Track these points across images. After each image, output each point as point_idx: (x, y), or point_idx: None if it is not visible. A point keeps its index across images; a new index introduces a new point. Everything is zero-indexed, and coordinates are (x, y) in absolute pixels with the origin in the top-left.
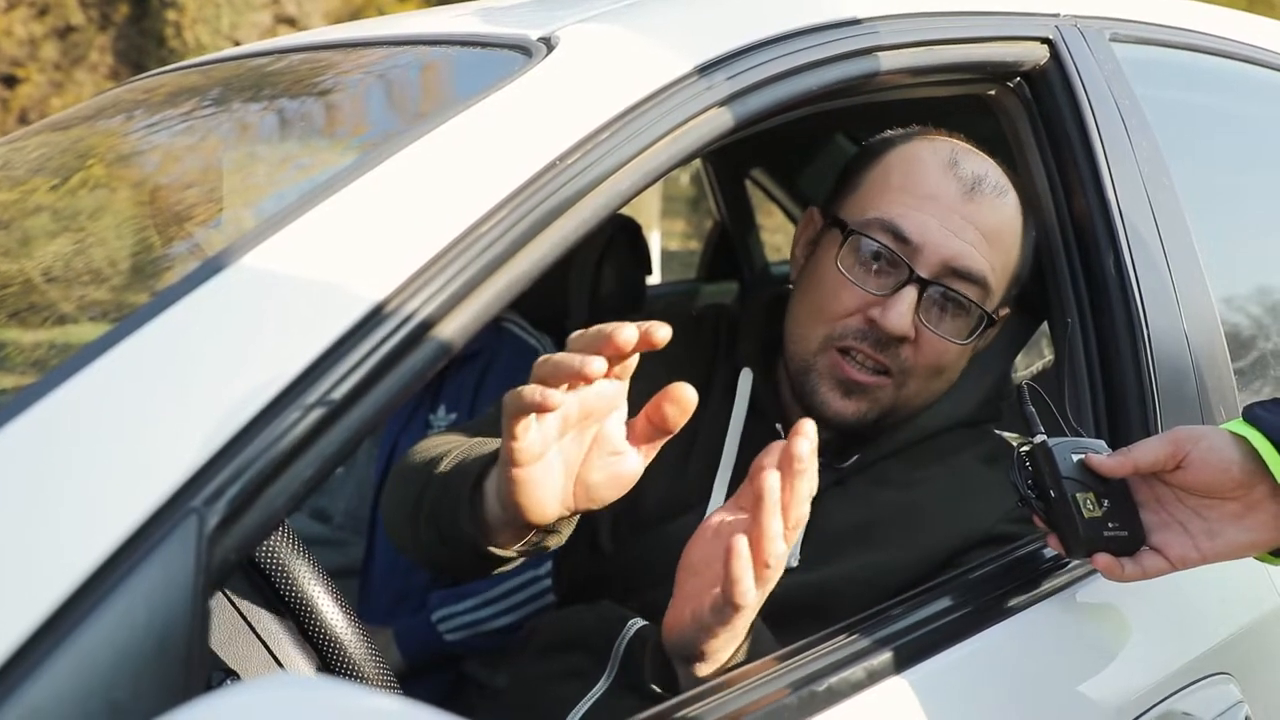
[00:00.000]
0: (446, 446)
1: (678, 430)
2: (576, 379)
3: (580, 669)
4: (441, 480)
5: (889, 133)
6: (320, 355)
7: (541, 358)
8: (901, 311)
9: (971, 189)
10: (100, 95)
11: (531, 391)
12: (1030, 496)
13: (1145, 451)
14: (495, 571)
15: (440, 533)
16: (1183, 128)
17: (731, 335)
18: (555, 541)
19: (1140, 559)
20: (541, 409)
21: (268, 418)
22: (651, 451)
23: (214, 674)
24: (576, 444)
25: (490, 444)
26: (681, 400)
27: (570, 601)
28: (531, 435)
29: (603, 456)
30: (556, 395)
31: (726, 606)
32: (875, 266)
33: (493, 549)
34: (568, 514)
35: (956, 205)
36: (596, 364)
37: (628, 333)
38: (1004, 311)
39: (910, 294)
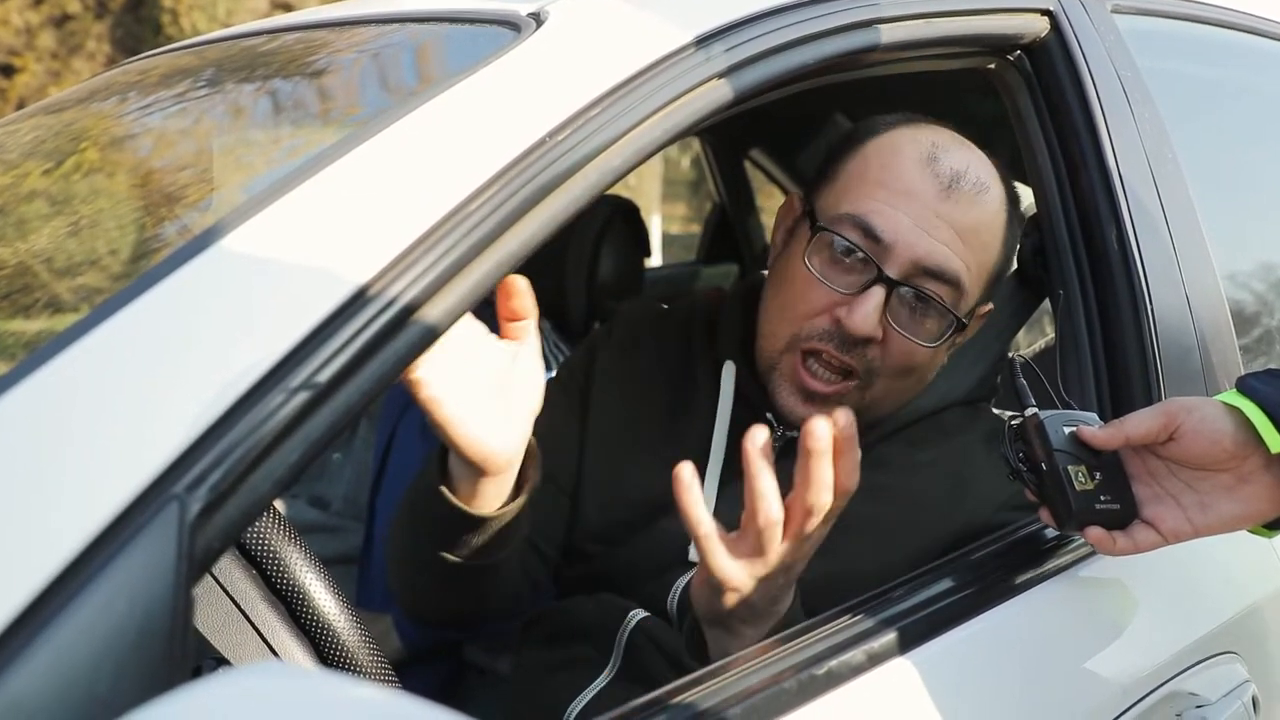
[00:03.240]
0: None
1: (533, 314)
2: None
3: (583, 659)
4: (412, 495)
5: (873, 119)
6: (305, 337)
7: None
8: (868, 312)
9: (949, 186)
10: (94, 77)
11: None
12: (1022, 470)
13: (1137, 423)
14: (498, 554)
15: (435, 540)
16: (1186, 99)
17: (709, 328)
18: (530, 487)
19: (1132, 532)
20: None
21: (251, 402)
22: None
23: (206, 662)
24: (471, 365)
25: None
26: (512, 288)
27: (568, 596)
28: (424, 369)
29: (503, 364)
30: None
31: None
32: (844, 264)
33: (481, 513)
34: (517, 446)
35: (932, 203)
36: None
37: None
38: (985, 308)
39: (878, 294)
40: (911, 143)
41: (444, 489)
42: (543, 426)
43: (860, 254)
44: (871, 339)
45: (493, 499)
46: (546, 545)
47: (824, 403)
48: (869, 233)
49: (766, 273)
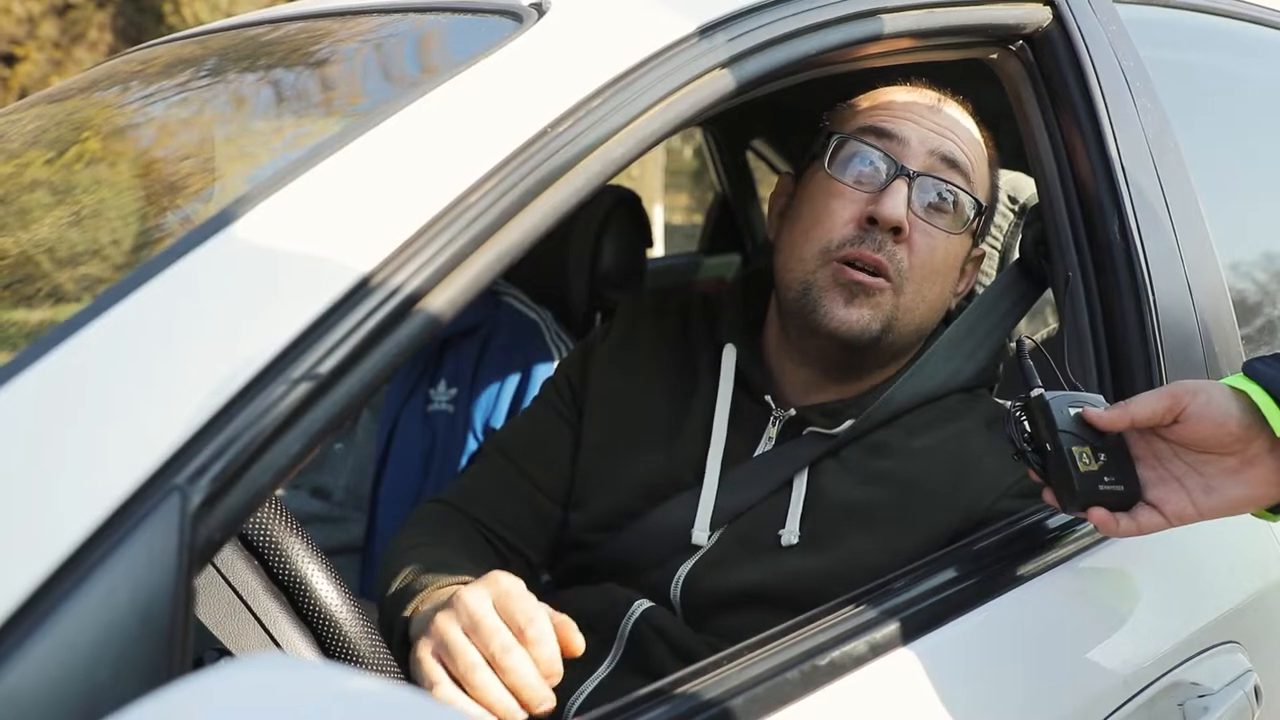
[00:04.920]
0: (407, 555)
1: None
2: None
3: (586, 650)
4: (386, 615)
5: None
6: (306, 328)
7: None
8: (897, 201)
9: (937, 102)
10: (95, 67)
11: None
12: (1026, 450)
13: (1142, 405)
14: None
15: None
16: (1188, 89)
17: (709, 317)
18: None
19: (1136, 514)
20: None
21: (252, 393)
22: None
23: (208, 652)
24: None
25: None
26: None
27: (569, 585)
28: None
29: None
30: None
31: None
32: (865, 170)
33: None
34: None
35: (928, 114)
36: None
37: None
38: (979, 251)
39: (902, 185)
40: (889, 87)
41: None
42: (532, 435)
43: (879, 154)
44: (901, 228)
45: None
46: (528, 549)
47: (865, 300)
48: (884, 134)
49: (773, 241)
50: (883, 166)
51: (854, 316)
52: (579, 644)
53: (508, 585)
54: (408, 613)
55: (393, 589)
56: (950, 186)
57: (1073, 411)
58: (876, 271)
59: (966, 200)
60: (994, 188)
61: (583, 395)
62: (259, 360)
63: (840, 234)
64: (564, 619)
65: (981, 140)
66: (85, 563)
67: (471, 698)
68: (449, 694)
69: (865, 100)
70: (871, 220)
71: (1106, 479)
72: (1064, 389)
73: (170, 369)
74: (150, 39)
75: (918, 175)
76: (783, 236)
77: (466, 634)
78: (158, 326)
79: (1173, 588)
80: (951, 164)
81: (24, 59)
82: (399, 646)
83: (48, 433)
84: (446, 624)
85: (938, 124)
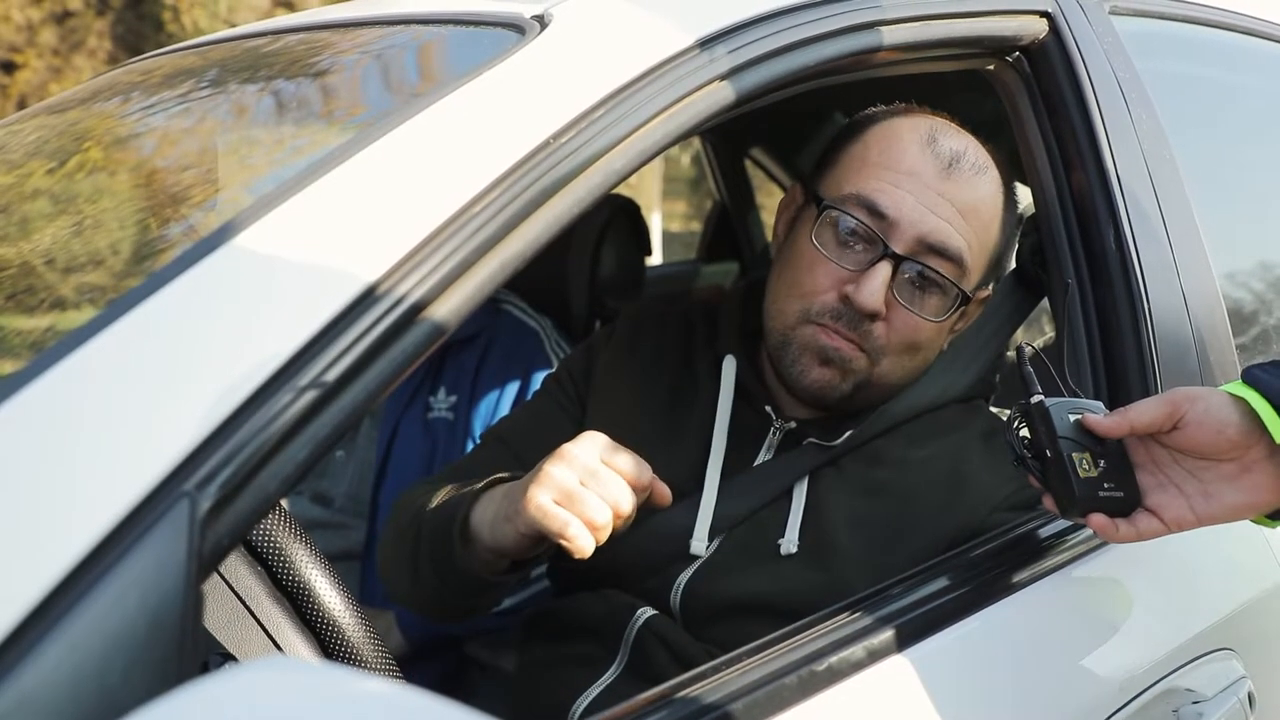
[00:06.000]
0: (432, 493)
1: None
2: None
3: (589, 656)
4: (431, 523)
5: (871, 109)
6: (313, 337)
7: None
8: (874, 288)
9: (949, 165)
10: (97, 77)
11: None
12: (1026, 456)
13: (1142, 412)
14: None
15: (438, 574)
16: (1183, 101)
17: (709, 326)
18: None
19: (1135, 520)
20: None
21: (260, 400)
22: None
23: (212, 658)
24: None
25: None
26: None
27: (568, 591)
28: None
29: None
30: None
31: None
32: (850, 243)
33: (487, 577)
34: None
35: (934, 182)
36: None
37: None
38: (984, 293)
39: (884, 270)
40: (911, 128)
41: (465, 559)
42: (532, 424)
43: (865, 232)
44: (877, 314)
45: (506, 565)
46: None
47: (839, 364)
48: (874, 210)
49: (772, 258)
50: (868, 246)
51: (825, 377)
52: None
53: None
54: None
55: (435, 503)
56: (936, 275)
57: (1073, 418)
58: (851, 341)
59: (952, 291)
60: (1007, 242)
61: (586, 391)
62: (266, 368)
63: (819, 302)
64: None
65: (993, 203)
66: (97, 567)
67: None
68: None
69: (877, 146)
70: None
71: (1106, 485)
72: (1063, 394)
73: (179, 377)
74: (150, 47)
75: (903, 260)
76: (775, 267)
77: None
78: (167, 335)
79: (1167, 595)
80: (941, 252)
81: (23, 66)
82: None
83: (61, 439)
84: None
85: (939, 197)
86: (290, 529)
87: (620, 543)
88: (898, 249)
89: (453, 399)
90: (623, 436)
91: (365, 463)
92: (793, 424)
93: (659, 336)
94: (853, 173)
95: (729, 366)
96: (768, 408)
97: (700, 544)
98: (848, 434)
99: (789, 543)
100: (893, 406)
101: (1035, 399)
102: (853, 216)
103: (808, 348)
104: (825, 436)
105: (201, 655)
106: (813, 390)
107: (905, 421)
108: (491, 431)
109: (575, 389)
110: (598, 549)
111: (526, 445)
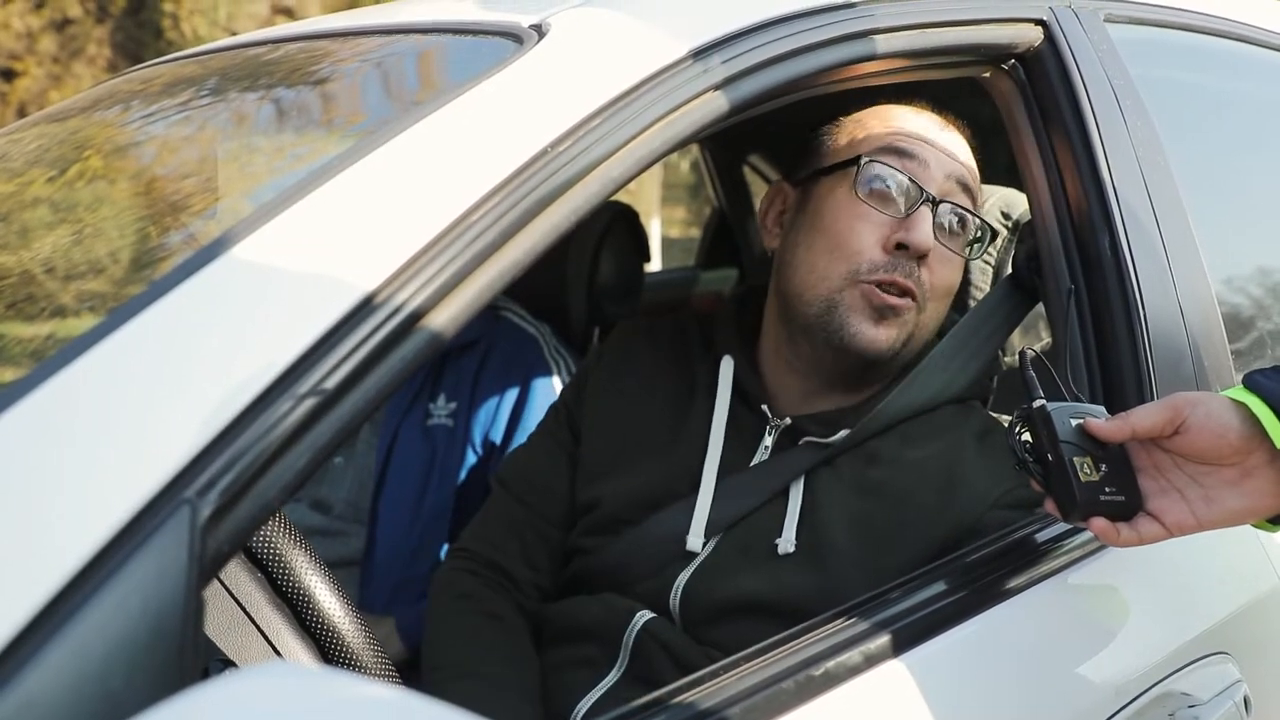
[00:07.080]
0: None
1: None
2: None
3: (589, 659)
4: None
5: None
6: (312, 345)
7: None
8: (926, 229)
9: (941, 123)
10: (97, 86)
11: None
12: (1027, 460)
13: (1144, 416)
14: None
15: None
16: (1178, 108)
17: (705, 332)
18: None
19: (1136, 524)
20: None
21: (260, 408)
22: None
23: (212, 663)
24: None
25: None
26: None
27: (566, 594)
28: None
29: None
30: None
31: None
32: (890, 193)
33: None
34: None
35: (937, 134)
36: None
37: None
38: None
39: (927, 212)
40: (895, 106)
41: None
42: (532, 474)
43: (906, 177)
44: (928, 254)
45: None
46: (548, 583)
47: (894, 320)
48: (906, 155)
49: (777, 251)
50: (908, 190)
51: (883, 335)
52: None
53: None
54: None
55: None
56: (965, 211)
57: (1074, 422)
58: (904, 293)
59: (974, 223)
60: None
61: (579, 417)
62: (266, 376)
63: (869, 258)
64: None
65: (975, 163)
66: (99, 573)
67: None
68: None
69: (874, 119)
70: (900, 245)
71: (1108, 489)
72: (1064, 398)
73: (180, 385)
74: (149, 53)
75: (940, 202)
76: (793, 249)
77: None
78: (168, 343)
79: (1163, 599)
80: (965, 188)
81: (23, 74)
82: None
83: (62, 447)
84: None
85: (947, 148)
86: (290, 536)
87: (617, 545)
88: (932, 190)
89: (452, 406)
90: (620, 442)
91: (365, 469)
92: (789, 421)
93: (652, 346)
94: (863, 139)
95: (726, 368)
96: (764, 406)
97: (696, 540)
98: (844, 433)
99: (786, 542)
100: (889, 406)
101: (1037, 403)
102: (889, 165)
103: (857, 308)
104: (822, 434)
105: (202, 661)
106: (871, 351)
107: (901, 421)
108: (497, 476)
109: (569, 418)
110: (597, 552)
111: (525, 489)
